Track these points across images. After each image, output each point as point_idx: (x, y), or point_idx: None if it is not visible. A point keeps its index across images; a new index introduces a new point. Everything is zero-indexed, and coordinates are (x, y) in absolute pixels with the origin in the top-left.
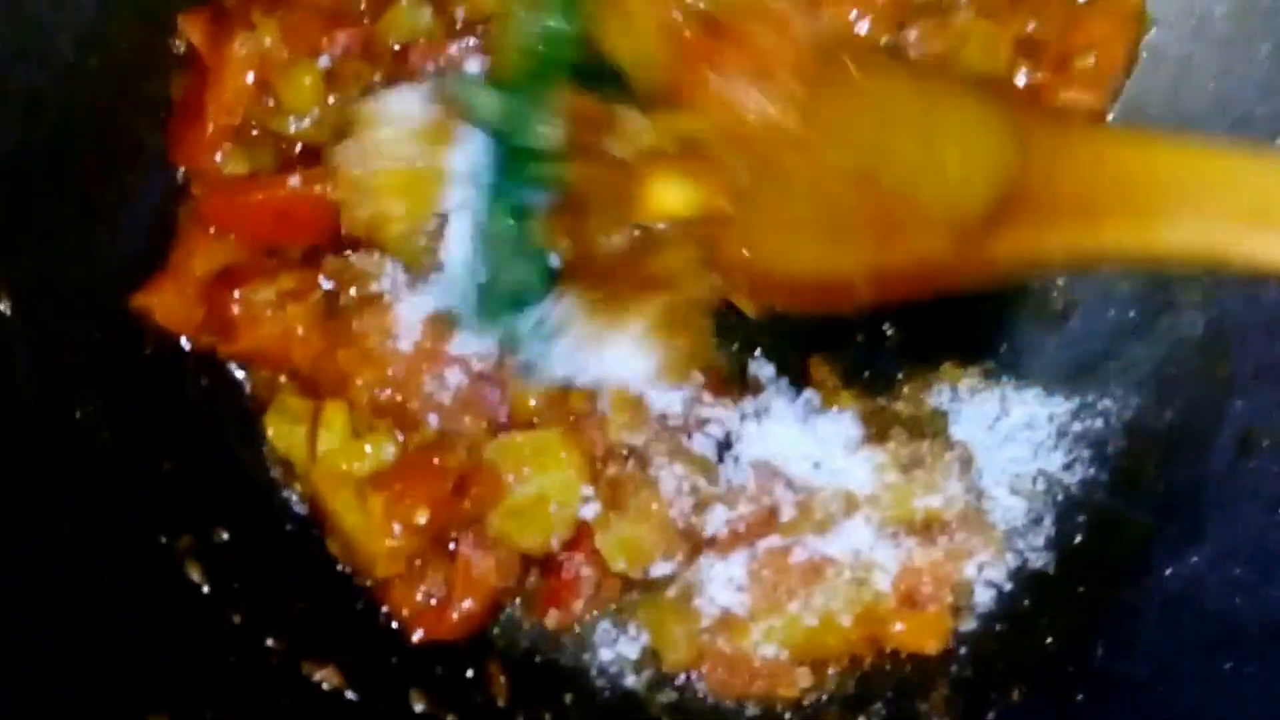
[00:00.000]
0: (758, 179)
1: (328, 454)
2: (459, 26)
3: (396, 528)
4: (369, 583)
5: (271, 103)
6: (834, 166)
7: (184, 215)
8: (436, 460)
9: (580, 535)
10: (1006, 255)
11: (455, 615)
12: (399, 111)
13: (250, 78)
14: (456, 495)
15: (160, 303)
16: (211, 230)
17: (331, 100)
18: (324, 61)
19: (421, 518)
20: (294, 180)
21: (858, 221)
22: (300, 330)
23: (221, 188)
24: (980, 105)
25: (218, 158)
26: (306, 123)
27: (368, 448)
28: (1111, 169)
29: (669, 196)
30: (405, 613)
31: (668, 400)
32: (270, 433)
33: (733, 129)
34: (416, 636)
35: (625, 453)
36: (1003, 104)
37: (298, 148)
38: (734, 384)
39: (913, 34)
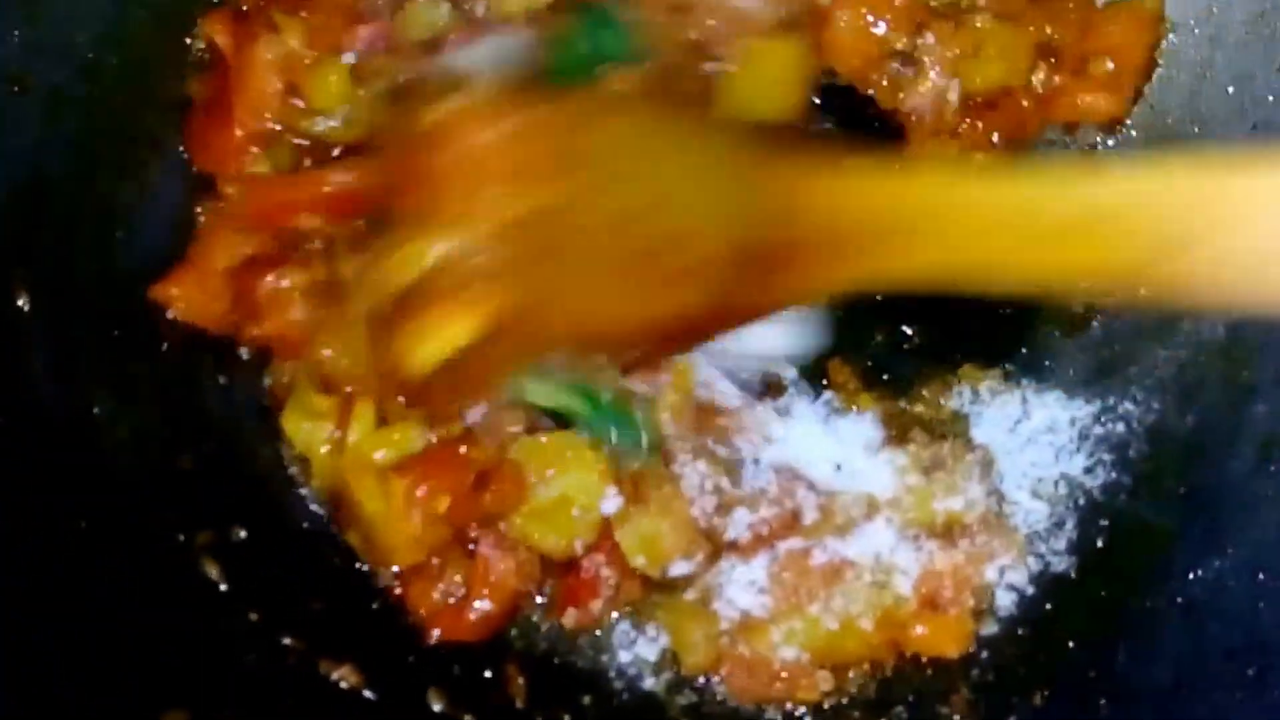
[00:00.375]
0: (532, 265)
1: (356, 444)
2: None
3: (416, 514)
4: (387, 580)
5: (299, 103)
6: (598, 222)
7: (207, 213)
8: (462, 450)
9: (601, 536)
10: (780, 291)
11: (473, 615)
12: (484, 61)
13: (277, 81)
14: (478, 489)
15: (181, 294)
16: (243, 229)
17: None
18: (348, 58)
19: (442, 505)
20: (342, 176)
21: (636, 270)
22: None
23: (262, 186)
24: (729, 145)
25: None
26: (336, 121)
27: (396, 436)
28: (859, 203)
29: (443, 336)
30: (423, 611)
31: (725, 393)
32: (288, 429)
33: (490, 230)
34: (434, 636)
35: None
36: (754, 145)
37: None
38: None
39: (930, 38)
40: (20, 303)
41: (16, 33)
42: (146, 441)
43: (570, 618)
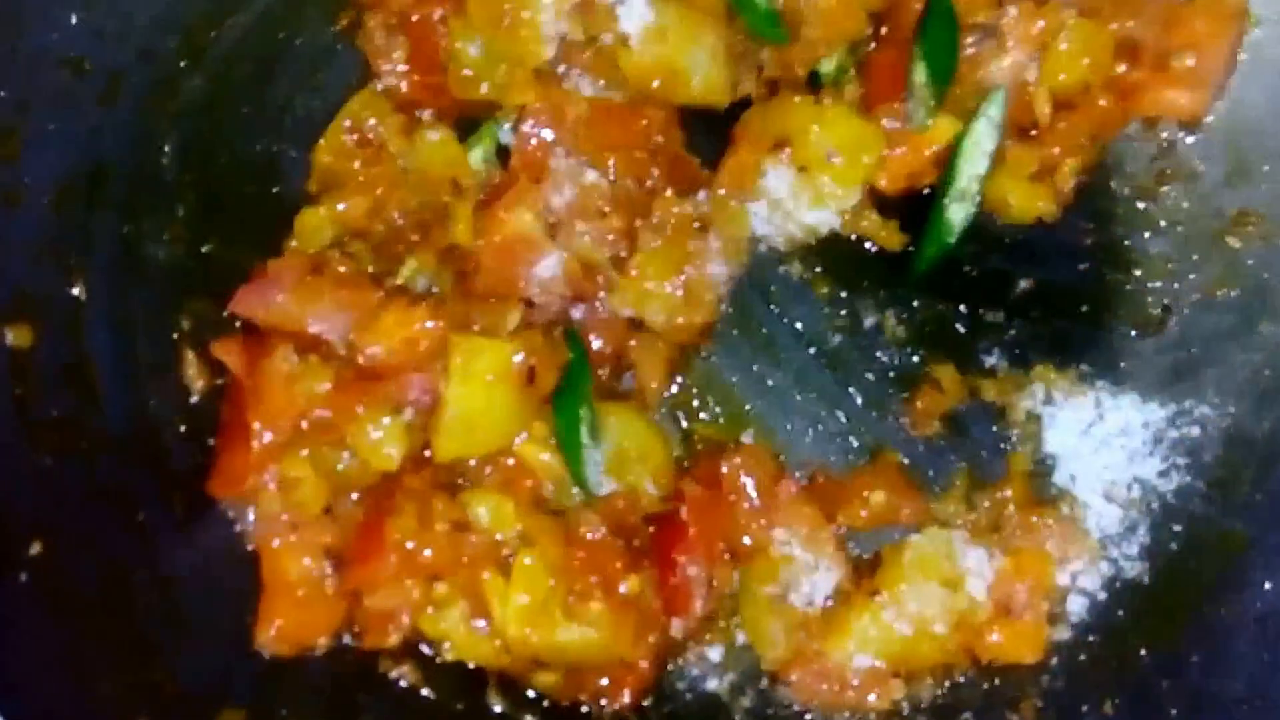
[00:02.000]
0: None
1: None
2: None
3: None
4: None
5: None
6: None
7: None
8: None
9: (678, 534)
10: None
11: None
12: None
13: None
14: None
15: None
16: None
17: None
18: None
19: (634, 586)
20: None
21: None
22: None
23: None
24: None
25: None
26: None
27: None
28: None
29: None
30: None
31: None
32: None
33: None
34: None
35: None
36: None
37: None
38: None
39: (1012, 11)
40: (77, 291)
41: (75, 16)
42: (202, 439)
43: (679, 629)
